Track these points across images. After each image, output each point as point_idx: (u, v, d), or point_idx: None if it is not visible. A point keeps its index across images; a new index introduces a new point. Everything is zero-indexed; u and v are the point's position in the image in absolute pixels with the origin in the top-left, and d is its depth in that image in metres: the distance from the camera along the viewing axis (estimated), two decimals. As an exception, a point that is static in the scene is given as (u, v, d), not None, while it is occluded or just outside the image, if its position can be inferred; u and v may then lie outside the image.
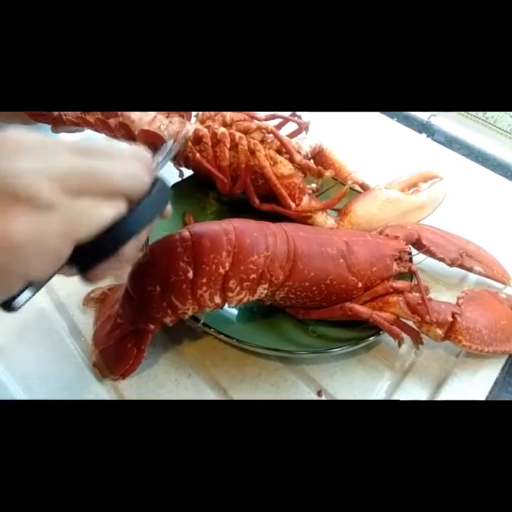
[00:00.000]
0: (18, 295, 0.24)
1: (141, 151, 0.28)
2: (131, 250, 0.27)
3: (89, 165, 0.24)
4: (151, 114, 0.52)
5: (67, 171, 0.23)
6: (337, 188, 0.53)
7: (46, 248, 0.23)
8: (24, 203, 0.22)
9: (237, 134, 0.50)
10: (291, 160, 0.50)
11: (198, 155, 0.50)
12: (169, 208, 0.30)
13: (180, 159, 0.53)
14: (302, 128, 0.56)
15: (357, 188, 0.55)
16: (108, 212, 0.25)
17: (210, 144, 0.50)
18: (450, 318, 0.41)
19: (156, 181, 0.28)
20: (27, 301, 0.25)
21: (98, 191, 0.24)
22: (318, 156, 0.58)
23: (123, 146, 0.28)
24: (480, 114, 0.74)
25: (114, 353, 0.39)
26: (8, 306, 0.25)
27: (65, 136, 0.59)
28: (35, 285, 0.25)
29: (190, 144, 0.51)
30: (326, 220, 0.51)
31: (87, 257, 0.25)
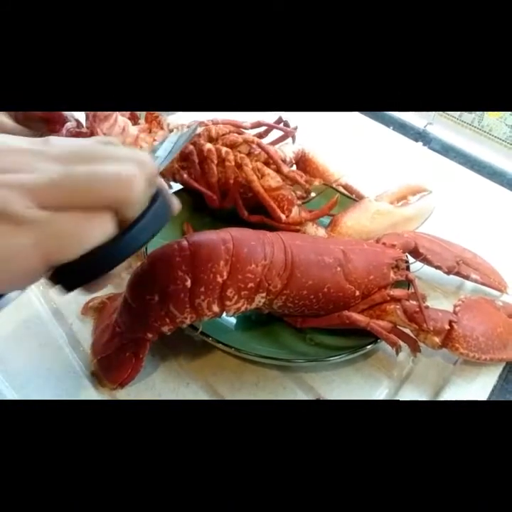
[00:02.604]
0: None
1: (142, 157, 0.24)
2: (120, 268, 0.25)
3: (73, 174, 0.22)
4: (132, 133, 0.52)
5: (46, 182, 0.21)
6: (327, 195, 0.53)
7: (15, 263, 0.21)
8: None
9: (224, 149, 0.51)
10: (279, 171, 0.51)
11: (185, 175, 0.51)
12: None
13: (167, 175, 0.53)
14: (289, 136, 0.57)
15: (346, 192, 0.57)
16: (94, 233, 0.22)
17: (196, 161, 0.51)
18: (447, 326, 0.41)
19: (157, 195, 0.24)
20: None
21: (84, 205, 0.22)
22: (301, 161, 0.58)
23: (122, 150, 0.24)
24: (476, 122, 0.75)
25: (113, 362, 0.39)
26: None
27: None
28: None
29: (175, 163, 0.52)
30: (316, 230, 0.51)
31: (68, 279, 0.23)
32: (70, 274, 0.22)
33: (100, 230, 0.22)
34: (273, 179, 0.50)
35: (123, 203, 0.23)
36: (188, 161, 0.51)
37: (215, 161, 0.50)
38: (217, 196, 0.51)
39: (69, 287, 0.23)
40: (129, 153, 0.24)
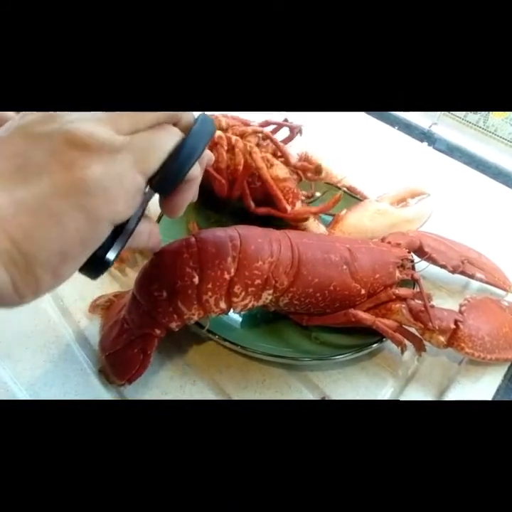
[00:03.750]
0: (109, 249, 0.26)
1: None
2: (197, 171, 0.29)
3: None
4: None
5: (112, 114, 0.25)
6: (330, 194, 0.53)
7: (125, 185, 0.24)
8: (94, 149, 0.23)
9: (234, 137, 0.51)
10: (287, 163, 0.51)
11: None
12: (209, 155, 0.32)
13: None
14: (295, 133, 0.57)
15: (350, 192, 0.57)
16: (167, 140, 0.26)
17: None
18: (452, 326, 0.41)
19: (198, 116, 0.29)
20: (118, 253, 0.27)
21: (148, 124, 0.26)
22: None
23: None
24: (481, 122, 0.75)
25: (121, 358, 0.39)
26: (102, 262, 0.26)
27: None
28: (122, 236, 0.27)
29: None
30: (317, 227, 0.51)
31: (162, 183, 0.27)
32: (163, 180, 0.27)
33: (170, 135, 0.27)
34: (281, 170, 0.50)
35: (182, 118, 0.28)
36: None
37: (225, 147, 0.51)
38: (226, 182, 0.51)
39: (165, 190, 0.28)
40: None
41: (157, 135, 0.26)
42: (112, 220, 0.24)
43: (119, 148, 0.24)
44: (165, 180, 0.27)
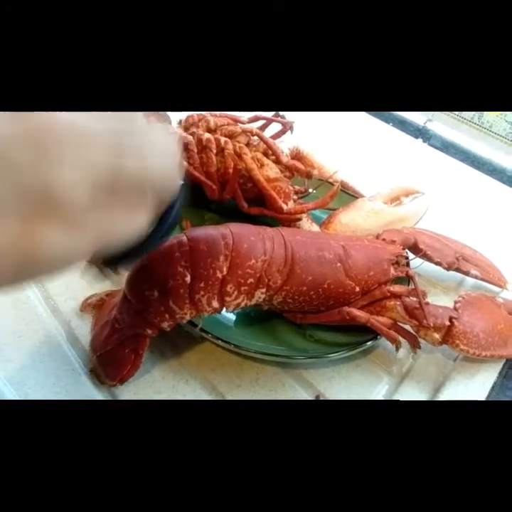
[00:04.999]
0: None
1: (174, 147, 0.27)
2: None
3: (122, 168, 0.23)
4: None
5: (101, 175, 0.22)
6: (324, 189, 0.53)
7: (71, 261, 0.22)
8: (60, 216, 0.21)
9: (223, 139, 0.50)
10: (278, 161, 0.50)
11: (185, 163, 0.50)
12: None
13: None
14: (287, 128, 0.56)
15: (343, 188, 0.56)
16: (137, 224, 0.24)
17: (196, 150, 0.50)
18: (447, 323, 0.41)
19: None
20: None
21: (129, 197, 0.24)
22: (297, 159, 0.58)
23: (157, 137, 0.26)
24: (476, 119, 0.75)
25: (112, 358, 0.39)
26: None
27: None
28: None
29: None
30: (310, 226, 0.50)
31: (114, 261, 0.27)
32: (117, 258, 0.26)
33: (143, 219, 0.25)
34: (271, 170, 0.49)
35: (165, 196, 0.26)
36: (187, 151, 0.51)
37: (214, 151, 0.50)
38: (216, 186, 0.51)
39: (115, 266, 0.29)
40: (165, 144, 0.26)
41: (128, 218, 0.24)
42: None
43: (85, 222, 0.22)
44: (113, 260, 0.27)
